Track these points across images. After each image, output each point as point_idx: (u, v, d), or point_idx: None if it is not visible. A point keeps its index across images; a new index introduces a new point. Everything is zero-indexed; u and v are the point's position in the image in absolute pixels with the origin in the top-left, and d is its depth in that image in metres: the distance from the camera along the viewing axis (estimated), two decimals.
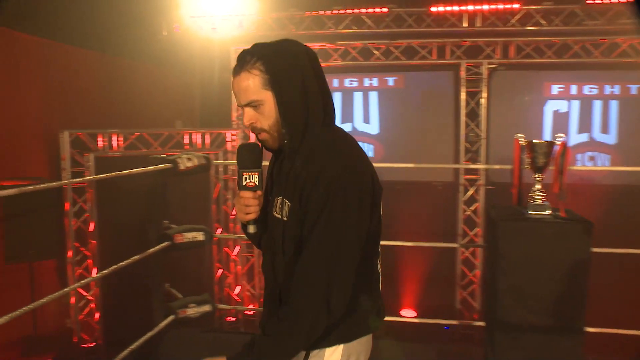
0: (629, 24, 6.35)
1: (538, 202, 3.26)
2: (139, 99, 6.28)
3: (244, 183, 1.73)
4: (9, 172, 4.92)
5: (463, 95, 6.86)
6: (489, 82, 6.91)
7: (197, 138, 6.77)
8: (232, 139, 7.14)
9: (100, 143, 5.97)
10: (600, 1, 6.38)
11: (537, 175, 3.32)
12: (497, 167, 5.44)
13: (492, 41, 6.75)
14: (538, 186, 3.30)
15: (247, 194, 1.74)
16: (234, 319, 7.21)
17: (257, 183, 1.74)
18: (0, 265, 4.76)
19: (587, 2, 6.40)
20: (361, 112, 7.37)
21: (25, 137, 5.41)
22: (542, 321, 3.20)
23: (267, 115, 1.69)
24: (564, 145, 3.35)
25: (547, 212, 3.25)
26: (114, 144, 6.10)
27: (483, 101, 6.84)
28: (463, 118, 6.87)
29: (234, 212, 7.20)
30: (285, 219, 1.72)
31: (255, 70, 1.67)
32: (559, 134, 3.42)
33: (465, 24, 6.61)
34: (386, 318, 4.64)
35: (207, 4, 6.55)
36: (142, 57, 6.32)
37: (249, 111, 1.70)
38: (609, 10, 6.40)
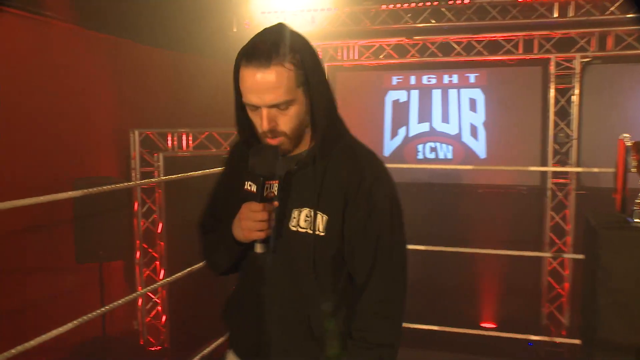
0: None
1: None
2: (208, 97, 6.33)
3: (265, 194, 1.50)
4: (80, 171, 5.06)
5: (552, 92, 6.52)
6: (582, 77, 6.55)
7: None
8: None
9: (169, 142, 6.07)
10: None
11: None
12: (595, 170, 5.12)
13: (587, 32, 6.37)
14: None
15: (265, 207, 1.50)
16: None
17: (276, 194, 1.52)
18: (71, 265, 4.88)
19: None
20: (440, 111, 7.17)
21: (96, 136, 5.56)
22: None
23: (294, 117, 1.50)
24: None
25: None
26: (184, 143, 6.18)
27: (575, 98, 6.48)
28: (552, 117, 6.53)
29: None
30: (321, 233, 1.54)
31: (290, 65, 1.46)
32: None
33: (555, 14, 6.26)
34: (465, 331, 4.44)
35: (278, 0, 6.55)
36: (212, 54, 6.37)
37: (272, 112, 1.48)
38: None
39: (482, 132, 7.04)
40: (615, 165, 3.26)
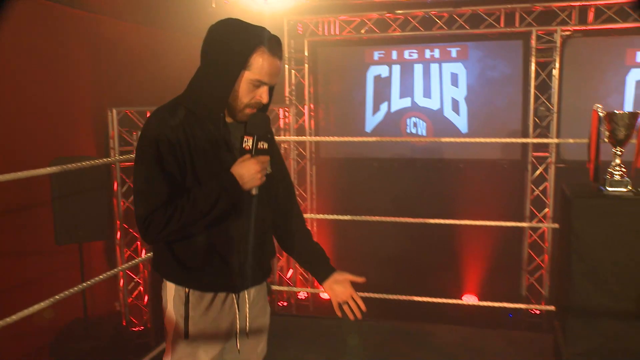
0: None
1: (617, 178, 3.17)
2: (187, 75, 6.34)
3: (259, 147, 1.92)
4: (57, 152, 5.03)
5: (533, 66, 6.69)
6: (563, 51, 6.72)
7: None
8: (285, 115, 7.20)
9: None
10: None
11: (616, 149, 3.23)
12: (570, 140, 5.30)
13: (568, 5, 6.53)
14: (617, 161, 3.20)
15: (264, 158, 1.93)
16: (285, 303, 7.34)
17: (267, 147, 1.95)
18: (50, 247, 4.89)
19: None
20: (421, 85, 7.30)
21: (73, 116, 5.53)
22: (620, 306, 3.13)
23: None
24: None
25: (627, 188, 3.16)
26: None
27: (555, 72, 6.66)
28: (533, 91, 6.71)
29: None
30: (270, 171, 2.01)
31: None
32: (628, 102, 3.32)
33: None
34: (446, 301, 4.63)
35: None
36: (191, 30, 6.39)
37: (267, 90, 1.93)
38: None
39: (463, 107, 7.20)
40: (589, 135, 3.41)
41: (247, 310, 2.12)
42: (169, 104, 1.99)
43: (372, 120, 7.47)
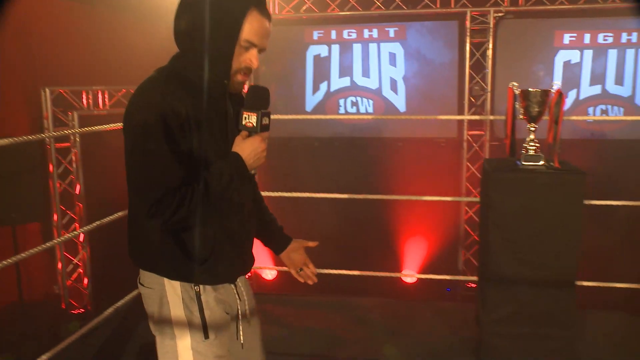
0: None
1: (531, 152, 3.38)
2: (123, 54, 6.30)
3: (263, 123, 1.81)
4: None
5: (468, 46, 6.91)
6: (496, 31, 6.96)
7: None
8: None
9: (84, 101, 6.07)
10: None
11: (530, 125, 3.43)
12: (491, 117, 5.54)
13: None
14: (532, 136, 3.41)
15: (267, 134, 1.84)
16: None
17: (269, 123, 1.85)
18: None
19: None
20: (360, 65, 7.44)
21: (3, 96, 5.43)
22: (534, 274, 3.36)
23: None
24: (560, 93, 3.45)
25: (541, 162, 3.37)
26: (100, 101, 6.21)
27: (489, 52, 6.90)
28: (467, 70, 6.94)
29: None
30: None
31: None
32: (555, 82, 3.54)
33: None
34: (384, 274, 4.79)
35: None
36: (128, 9, 6.35)
37: (256, 54, 1.83)
38: None
39: (401, 86, 7.37)
40: (506, 112, 3.62)
41: (245, 297, 2.06)
42: (161, 75, 1.81)
43: (312, 100, 7.57)
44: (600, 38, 7.03)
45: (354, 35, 7.42)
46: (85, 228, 4.23)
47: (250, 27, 1.78)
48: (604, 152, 6.57)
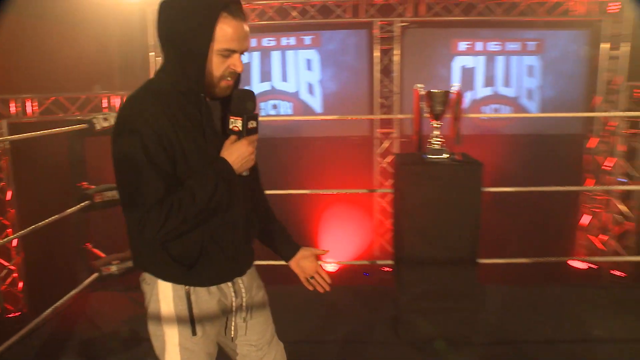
0: None
1: (436, 147, 3.44)
2: (53, 63, 5.99)
3: (249, 127, 1.70)
4: None
5: (377, 53, 7.01)
6: (402, 39, 7.09)
7: (116, 102, 6.65)
8: None
9: (13, 109, 5.74)
10: None
11: (435, 123, 3.49)
12: (400, 116, 5.62)
13: (404, 0, 6.91)
14: (436, 132, 3.47)
15: (255, 137, 1.73)
16: None
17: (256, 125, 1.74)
18: None
19: None
20: (279, 71, 7.41)
21: None
22: (441, 255, 3.41)
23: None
24: (459, 94, 3.53)
25: (445, 155, 3.43)
26: (28, 109, 5.89)
27: (396, 58, 7.03)
28: (377, 75, 7.04)
29: None
30: None
31: None
32: (455, 84, 3.61)
33: None
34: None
35: None
36: (52, 19, 6.04)
37: (239, 58, 1.66)
38: None
39: (317, 89, 7.39)
40: (412, 112, 3.67)
41: (244, 295, 1.90)
42: (143, 91, 1.67)
43: None
44: (491, 46, 7.30)
45: (273, 43, 7.38)
46: (19, 233, 3.98)
47: (224, 35, 1.60)
48: (497, 145, 6.81)
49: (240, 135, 1.69)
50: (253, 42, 7.34)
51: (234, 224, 1.80)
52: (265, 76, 7.43)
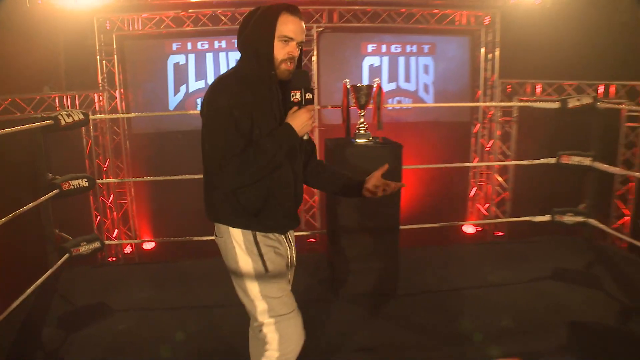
0: None
1: (362, 132, 3.52)
2: (7, 68, 5.61)
3: (307, 97, 1.88)
4: None
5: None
6: (318, 42, 7.15)
7: (67, 101, 6.33)
8: (100, 99, 6.74)
9: None
10: None
11: (361, 112, 3.58)
12: (318, 107, 5.65)
13: (320, 8, 6.98)
14: (362, 120, 3.56)
15: (312, 106, 1.90)
16: (114, 258, 6.98)
17: (312, 97, 1.91)
18: None
19: None
20: (213, 70, 7.28)
21: None
22: (370, 223, 3.51)
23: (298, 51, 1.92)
24: (379, 87, 3.64)
25: (369, 139, 3.52)
26: None
27: (315, 58, 7.08)
28: None
29: (106, 166, 6.87)
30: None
31: None
32: (376, 79, 3.71)
33: None
34: None
35: None
36: (9, 27, 5.63)
37: (295, 45, 1.88)
38: None
39: None
40: (341, 102, 3.74)
41: (293, 248, 2.11)
42: (228, 74, 1.92)
43: (174, 100, 7.30)
44: (393, 48, 7.52)
45: (206, 46, 7.24)
46: None
47: (284, 26, 1.85)
48: (402, 131, 7.03)
49: (299, 105, 1.87)
50: (189, 46, 7.17)
51: (290, 183, 1.98)
52: (200, 75, 7.28)
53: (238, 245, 1.94)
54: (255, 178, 1.86)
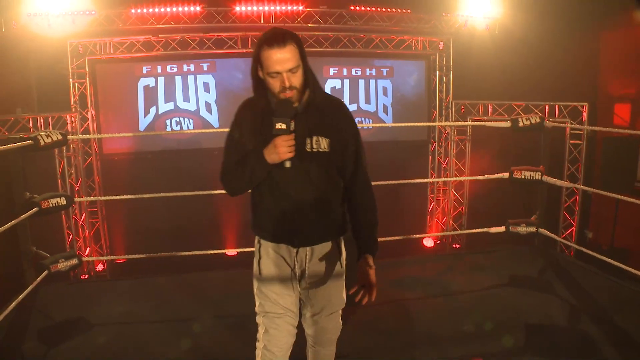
0: (378, 25, 7.30)
1: None
2: None
3: (290, 128, 1.94)
4: None
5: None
6: None
7: (41, 123, 6.40)
8: (72, 120, 6.80)
9: None
10: (359, 8, 7.24)
11: None
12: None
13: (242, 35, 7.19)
14: None
15: (291, 136, 1.94)
16: (87, 276, 6.98)
17: (294, 128, 1.96)
18: None
19: (351, 8, 7.20)
20: (181, 92, 7.44)
21: None
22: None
23: (299, 76, 1.96)
24: None
25: None
26: None
27: None
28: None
29: (77, 185, 6.90)
30: (327, 150, 2.03)
31: (294, 44, 1.93)
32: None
33: (262, 21, 6.98)
34: (213, 252, 4.74)
35: (43, 3, 6.10)
36: None
37: (288, 75, 1.92)
38: (366, 14, 7.29)
39: (214, 108, 7.51)
40: None
41: (306, 264, 2.12)
42: (246, 100, 2.12)
43: (144, 121, 7.38)
44: (354, 72, 7.84)
45: (175, 69, 7.39)
46: None
47: (267, 62, 1.91)
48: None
49: (277, 133, 1.94)
50: (158, 69, 7.31)
51: (283, 203, 2.06)
52: (170, 97, 7.41)
53: (255, 248, 2.21)
54: (243, 187, 2.09)
